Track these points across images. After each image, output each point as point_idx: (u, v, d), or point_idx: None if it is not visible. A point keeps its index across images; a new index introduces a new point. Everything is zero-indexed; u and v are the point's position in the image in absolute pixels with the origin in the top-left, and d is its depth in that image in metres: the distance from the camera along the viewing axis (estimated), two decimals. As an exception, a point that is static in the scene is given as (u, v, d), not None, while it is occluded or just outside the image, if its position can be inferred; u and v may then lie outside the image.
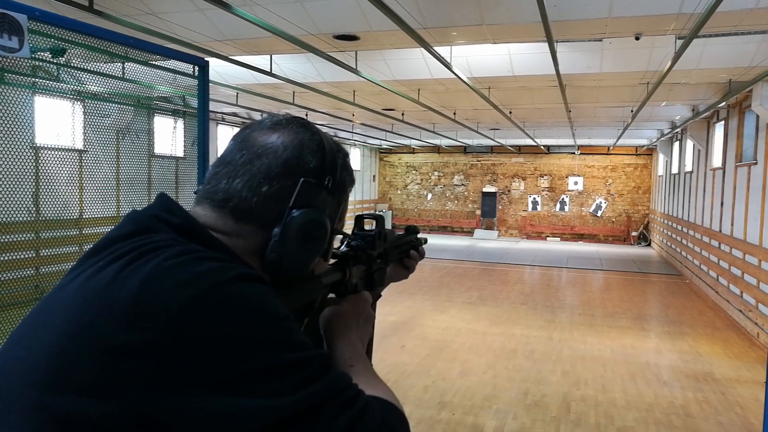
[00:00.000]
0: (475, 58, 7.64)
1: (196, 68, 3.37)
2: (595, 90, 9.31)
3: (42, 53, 2.90)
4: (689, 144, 13.25)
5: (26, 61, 2.64)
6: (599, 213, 21.18)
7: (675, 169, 15.14)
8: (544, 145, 20.20)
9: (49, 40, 2.75)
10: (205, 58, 3.51)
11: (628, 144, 19.58)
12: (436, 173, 23.31)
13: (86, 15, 4.66)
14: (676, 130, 13.55)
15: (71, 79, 3.93)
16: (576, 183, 21.41)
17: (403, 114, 12.15)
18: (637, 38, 5.81)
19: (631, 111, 10.46)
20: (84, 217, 3.77)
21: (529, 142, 18.06)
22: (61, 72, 3.64)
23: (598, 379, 5.88)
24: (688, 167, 13.30)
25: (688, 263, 12.56)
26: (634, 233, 20.42)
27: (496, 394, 5.41)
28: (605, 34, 5.76)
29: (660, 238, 17.45)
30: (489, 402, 5.21)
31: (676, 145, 15.18)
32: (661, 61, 6.94)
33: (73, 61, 3.37)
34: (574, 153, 20.99)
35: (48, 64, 3.15)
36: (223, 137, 13.98)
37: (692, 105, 10.79)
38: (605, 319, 8.59)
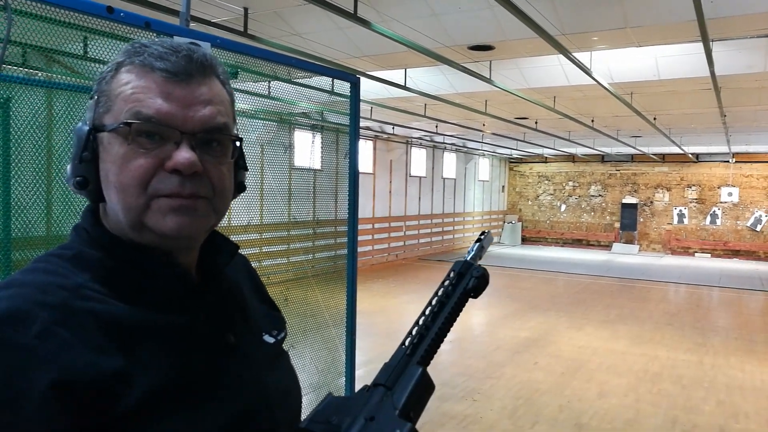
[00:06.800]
0: (617, 62, 7.26)
1: (347, 84, 3.54)
2: (756, 92, 8.45)
3: None
4: None
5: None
6: (759, 227, 19.07)
7: None
8: (692, 153, 18.69)
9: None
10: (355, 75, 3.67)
11: (794, 150, 17.50)
12: (570, 183, 22.36)
13: (238, 37, 5.05)
14: None
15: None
16: (730, 194, 19.48)
17: (536, 122, 11.83)
18: (810, 32, 5.19)
19: (800, 114, 9.34)
20: (231, 225, 4.07)
21: (675, 149, 16.83)
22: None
23: (761, 413, 5.28)
24: None
25: None
26: (801, 250, 18.14)
27: (639, 419, 5.05)
28: (771, 29, 5.20)
29: (835, 257, 15.34)
30: (631, 427, 4.87)
31: None
32: (839, 57, 6.14)
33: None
34: (728, 161, 19.14)
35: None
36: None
37: None
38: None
